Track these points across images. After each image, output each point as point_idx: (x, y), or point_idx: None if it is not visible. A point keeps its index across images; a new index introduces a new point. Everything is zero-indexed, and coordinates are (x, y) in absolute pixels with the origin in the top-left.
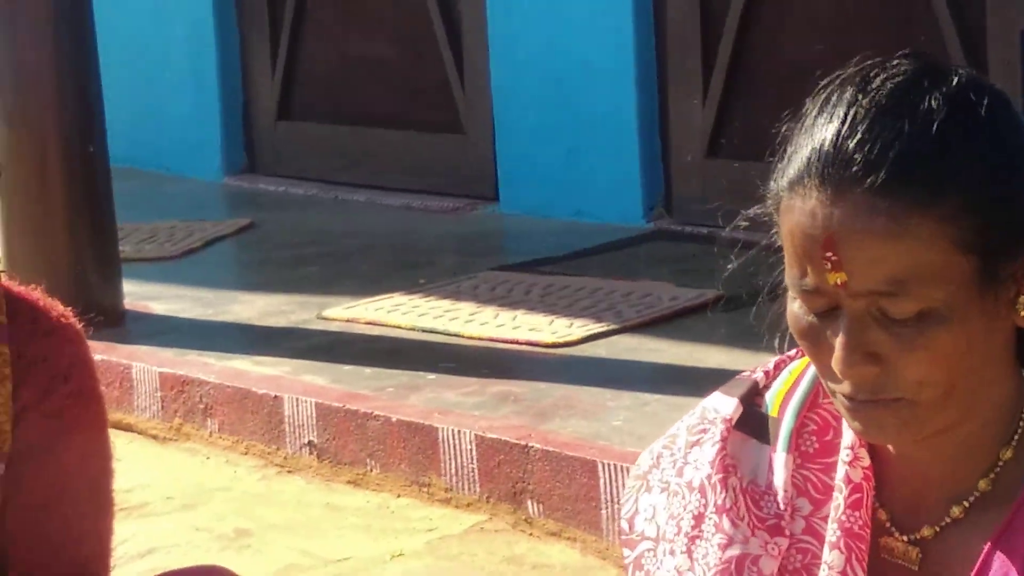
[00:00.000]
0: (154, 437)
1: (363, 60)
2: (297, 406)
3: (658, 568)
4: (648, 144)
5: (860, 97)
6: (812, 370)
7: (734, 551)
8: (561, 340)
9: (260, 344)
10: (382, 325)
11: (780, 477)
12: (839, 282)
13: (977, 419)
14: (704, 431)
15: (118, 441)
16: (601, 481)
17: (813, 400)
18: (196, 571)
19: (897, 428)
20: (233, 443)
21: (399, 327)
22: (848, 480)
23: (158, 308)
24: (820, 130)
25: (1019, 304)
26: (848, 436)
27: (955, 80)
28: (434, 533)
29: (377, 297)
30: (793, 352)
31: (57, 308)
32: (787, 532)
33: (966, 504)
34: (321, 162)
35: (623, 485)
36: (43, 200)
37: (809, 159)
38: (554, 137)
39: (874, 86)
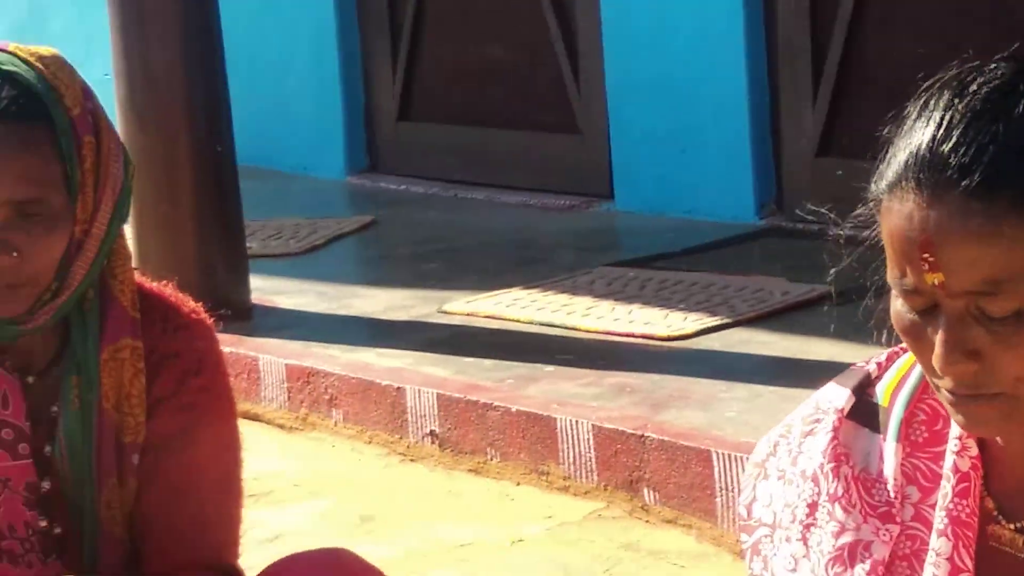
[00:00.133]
0: (281, 427)
1: (481, 63)
2: (419, 397)
3: (775, 554)
4: (760, 143)
5: (956, 101)
6: None
7: (847, 538)
8: (676, 333)
9: (383, 337)
10: (501, 319)
11: (890, 466)
12: (936, 283)
13: None
14: (818, 421)
15: (246, 431)
16: (715, 470)
17: (923, 390)
18: (321, 553)
19: (999, 422)
20: (357, 432)
21: (518, 321)
22: (956, 469)
23: (284, 303)
24: (917, 134)
25: None
26: (956, 426)
27: None
28: (553, 520)
29: (496, 292)
30: (905, 345)
31: (188, 304)
32: (897, 519)
33: None
34: (441, 161)
35: (737, 474)
36: (173, 198)
37: (906, 163)
38: (668, 136)
39: (971, 90)
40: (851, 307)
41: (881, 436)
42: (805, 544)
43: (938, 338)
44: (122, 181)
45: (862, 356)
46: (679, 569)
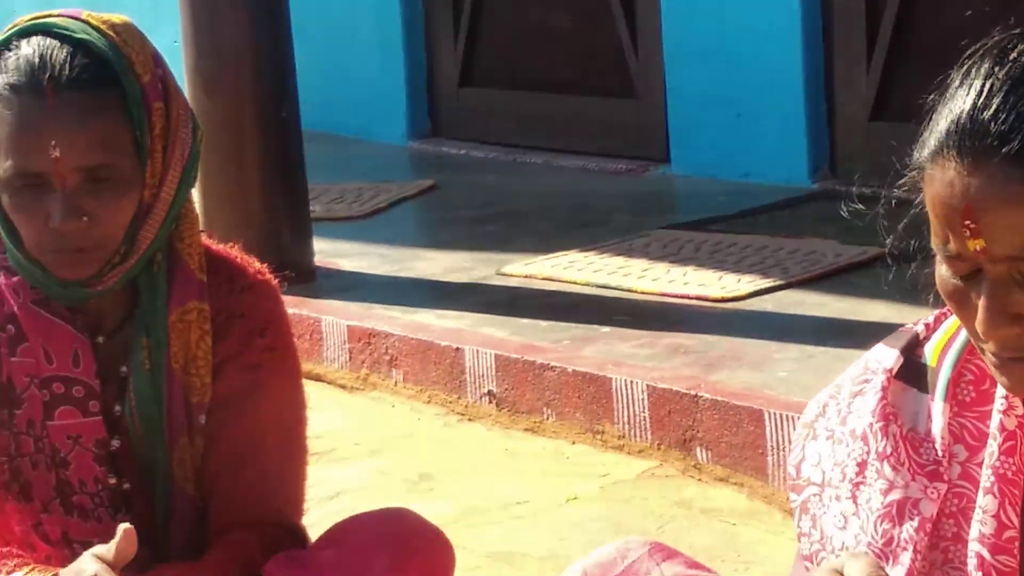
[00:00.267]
0: (342, 387)
1: (541, 28)
2: (477, 357)
3: (824, 512)
4: (814, 107)
5: (997, 69)
6: None
7: (896, 495)
8: (729, 295)
9: (443, 299)
10: (558, 281)
11: (938, 425)
12: (978, 248)
13: None
14: (867, 381)
15: (308, 390)
16: (767, 429)
17: (970, 351)
18: (382, 513)
19: None
20: (417, 392)
21: (575, 282)
22: (1002, 428)
23: (347, 265)
24: (958, 102)
25: None
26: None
27: None
28: (607, 478)
29: (554, 254)
30: None
31: (254, 265)
32: (945, 477)
33: None
34: (501, 126)
35: (788, 433)
36: (239, 163)
37: (948, 131)
38: (723, 101)
39: (1011, 58)
40: (903, 269)
41: (929, 396)
42: (855, 502)
43: (981, 303)
44: (190, 147)
45: (913, 317)
46: (730, 526)
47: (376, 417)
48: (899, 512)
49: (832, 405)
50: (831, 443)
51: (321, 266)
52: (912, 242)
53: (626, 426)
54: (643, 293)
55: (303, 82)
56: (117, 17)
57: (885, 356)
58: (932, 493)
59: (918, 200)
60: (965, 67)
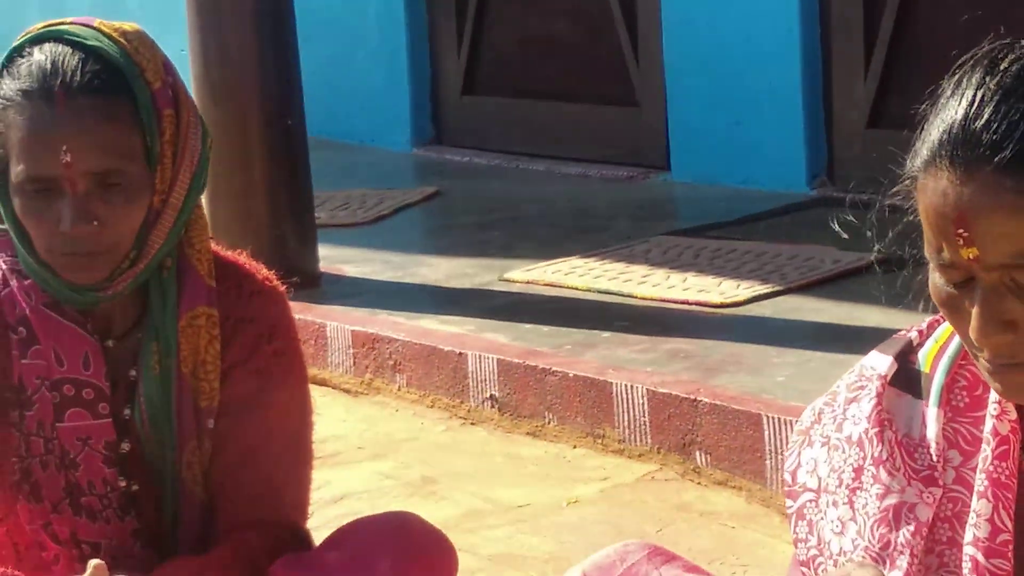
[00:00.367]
0: (346, 391)
1: (543, 38)
2: (480, 362)
3: (821, 518)
4: (812, 115)
5: (987, 79)
6: None
7: (892, 500)
8: (728, 300)
9: (446, 304)
10: (560, 286)
11: (932, 430)
12: (971, 257)
13: None
14: (862, 388)
15: (313, 395)
16: (766, 433)
17: (963, 357)
18: (386, 516)
19: None
20: (420, 397)
21: (576, 288)
22: (995, 433)
23: (351, 271)
24: (950, 112)
25: None
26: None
27: None
28: (608, 482)
29: (555, 260)
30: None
31: (262, 272)
32: (940, 482)
33: None
34: (503, 134)
35: (786, 437)
36: (246, 170)
37: (940, 140)
38: (723, 109)
39: (1001, 68)
40: (898, 275)
41: (923, 401)
42: (852, 507)
43: (975, 310)
44: (200, 153)
45: (909, 323)
46: (729, 529)
47: (380, 421)
48: (895, 517)
49: (827, 412)
50: (827, 449)
51: (326, 272)
52: (906, 249)
53: (626, 430)
54: (643, 299)
55: (309, 90)
56: (128, 25)
57: (879, 363)
58: (927, 498)
59: (910, 207)
60: (956, 77)
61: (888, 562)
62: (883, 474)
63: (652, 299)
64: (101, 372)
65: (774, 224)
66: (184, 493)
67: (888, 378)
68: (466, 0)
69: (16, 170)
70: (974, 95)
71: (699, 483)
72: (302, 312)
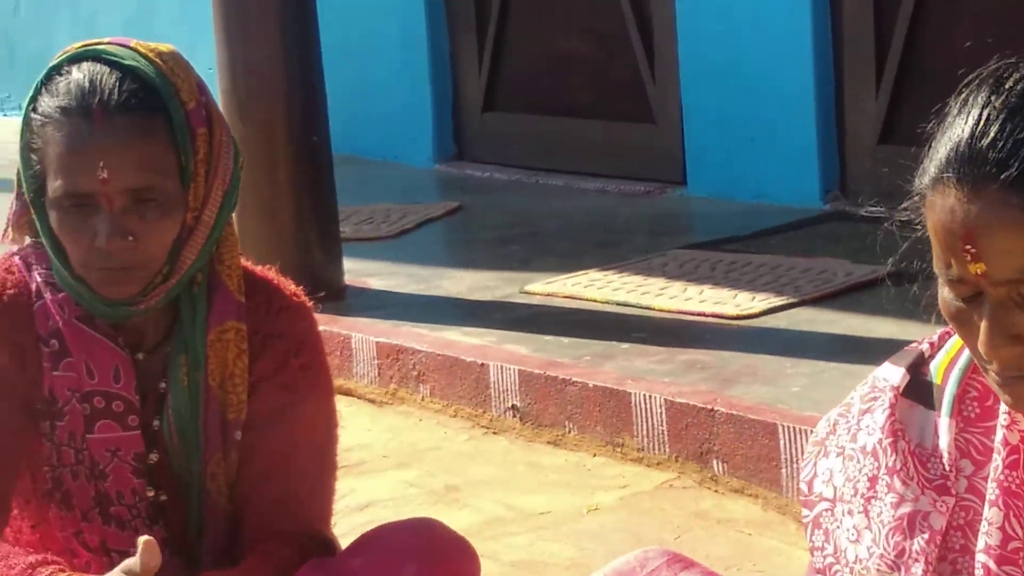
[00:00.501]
0: (371, 401)
1: (562, 56)
2: (502, 373)
3: (837, 527)
4: (825, 131)
5: (993, 98)
6: None
7: (906, 508)
8: (744, 312)
9: (468, 316)
10: (579, 299)
11: (944, 440)
12: (979, 272)
13: None
14: (875, 399)
15: (338, 404)
16: (781, 442)
17: (974, 368)
18: (410, 523)
19: None
20: (443, 407)
21: (595, 300)
22: (1006, 442)
23: (376, 284)
24: (956, 130)
25: None
26: None
27: None
28: (627, 489)
29: (575, 273)
30: None
31: (290, 287)
32: (952, 491)
33: None
34: (523, 150)
35: (801, 446)
36: (272, 186)
37: (947, 159)
38: (738, 126)
39: (1007, 87)
40: (910, 289)
41: (935, 412)
42: (867, 516)
43: (983, 324)
44: (232, 172)
45: (921, 334)
46: (746, 536)
47: (404, 430)
48: (910, 525)
49: (842, 423)
50: (842, 459)
51: (351, 285)
52: (916, 263)
53: (645, 439)
54: (661, 311)
55: (333, 107)
56: (164, 46)
57: (892, 374)
58: (941, 506)
59: (919, 222)
60: (962, 96)
61: (903, 569)
62: (897, 483)
63: (669, 311)
64: (131, 385)
65: (788, 238)
66: (209, 503)
67: (901, 389)
68: (487, 20)
69: (54, 185)
70: (980, 114)
71: (716, 491)
72: (328, 324)
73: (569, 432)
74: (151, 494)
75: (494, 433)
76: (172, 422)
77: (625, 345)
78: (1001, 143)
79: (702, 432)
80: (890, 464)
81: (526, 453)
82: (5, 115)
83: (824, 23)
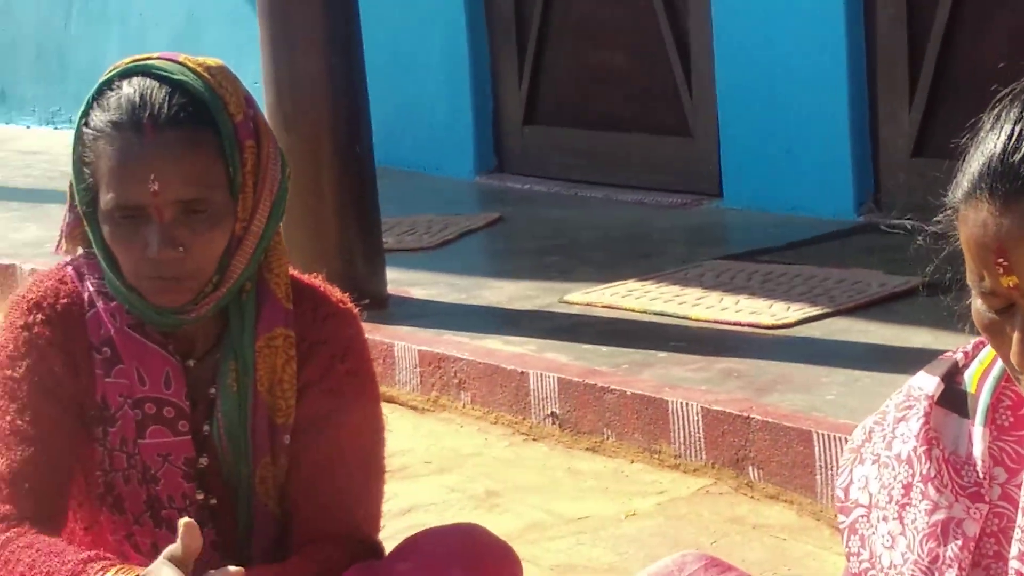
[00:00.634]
0: (413, 408)
1: (601, 69)
2: (541, 381)
3: (873, 533)
4: (859, 144)
5: None
6: None
7: (940, 515)
8: (779, 322)
9: (508, 325)
10: (618, 308)
11: (978, 448)
12: (1011, 285)
13: None
14: (910, 407)
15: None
16: (816, 449)
17: (1008, 378)
18: (454, 528)
19: None
20: (484, 414)
21: (633, 310)
22: None
23: (418, 293)
24: (989, 145)
25: None
26: None
27: None
28: (664, 495)
29: (613, 283)
30: None
31: (336, 294)
32: (986, 498)
33: None
34: (563, 162)
35: (836, 453)
36: (317, 196)
37: (979, 173)
38: (773, 139)
39: None
40: (944, 299)
41: (969, 421)
42: (901, 523)
43: (1015, 336)
44: (279, 182)
45: (955, 344)
46: (781, 542)
47: (445, 437)
48: (944, 532)
49: (877, 431)
50: (877, 467)
51: (393, 294)
52: (949, 274)
53: (682, 446)
54: (697, 320)
55: (376, 120)
56: (212, 60)
57: (927, 383)
58: (975, 513)
59: (952, 234)
60: (995, 111)
61: (937, 575)
62: (931, 490)
63: (706, 320)
64: (182, 391)
65: (822, 249)
66: (257, 506)
67: (935, 398)
68: (527, 34)
69: (106, 198)
70: (1012, 129)
71: (752, 497)
72: (371, 332)
73: (607, 439)
74: (201, 498)
75: (534, 440)
76: (222, 427)
77: (662, 354)
78: None
79: (738, 439)
80: (924, 471)
81: (565, 459)
82: (56, 128)
83: (858, 38)
